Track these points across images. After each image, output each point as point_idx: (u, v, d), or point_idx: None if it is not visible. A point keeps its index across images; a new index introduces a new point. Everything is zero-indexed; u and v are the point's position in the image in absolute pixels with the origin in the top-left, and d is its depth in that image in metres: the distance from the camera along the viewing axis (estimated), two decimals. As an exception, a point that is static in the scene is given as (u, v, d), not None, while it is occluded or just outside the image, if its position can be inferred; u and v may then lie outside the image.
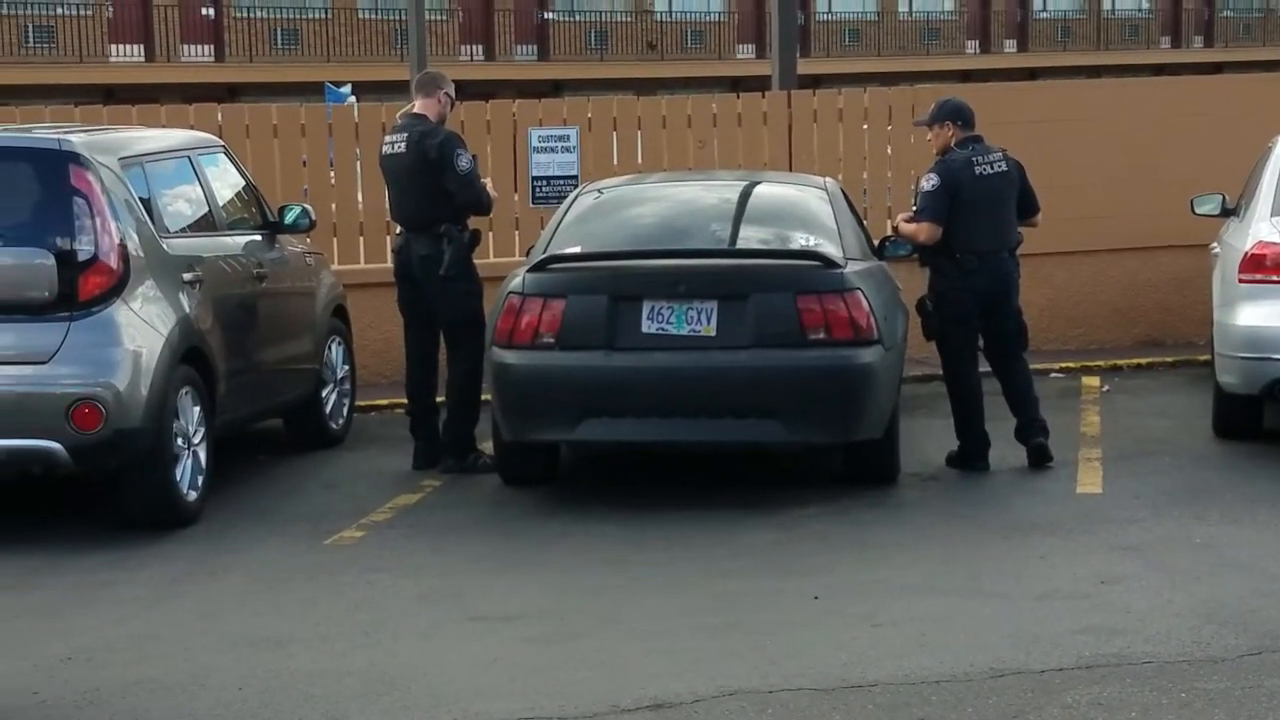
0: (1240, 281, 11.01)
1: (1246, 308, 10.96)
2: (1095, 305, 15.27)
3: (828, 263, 9.97)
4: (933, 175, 10.70)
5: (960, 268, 10.64)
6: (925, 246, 10.76)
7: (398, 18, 44.55)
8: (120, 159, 9.85)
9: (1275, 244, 10.90)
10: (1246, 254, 11.01)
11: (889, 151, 14.94)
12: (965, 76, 46.74)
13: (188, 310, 9.81)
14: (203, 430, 9.89)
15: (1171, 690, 6.66)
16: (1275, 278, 10.84)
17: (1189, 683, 6.74)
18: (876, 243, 11.22)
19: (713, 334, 9.82)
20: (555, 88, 44.93)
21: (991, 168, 10.72)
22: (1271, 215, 11.18)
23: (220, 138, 12.44)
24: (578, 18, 51.51)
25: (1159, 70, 47.92)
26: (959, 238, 10.62)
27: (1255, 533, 9.09)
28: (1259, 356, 10.84)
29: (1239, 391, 11.13)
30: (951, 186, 10.59)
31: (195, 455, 9.80)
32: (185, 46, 44.97)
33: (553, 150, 14.33)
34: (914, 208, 10.98)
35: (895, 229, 11.19)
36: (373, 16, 47.74)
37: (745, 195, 11.12)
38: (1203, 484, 10.27)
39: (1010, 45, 59.04)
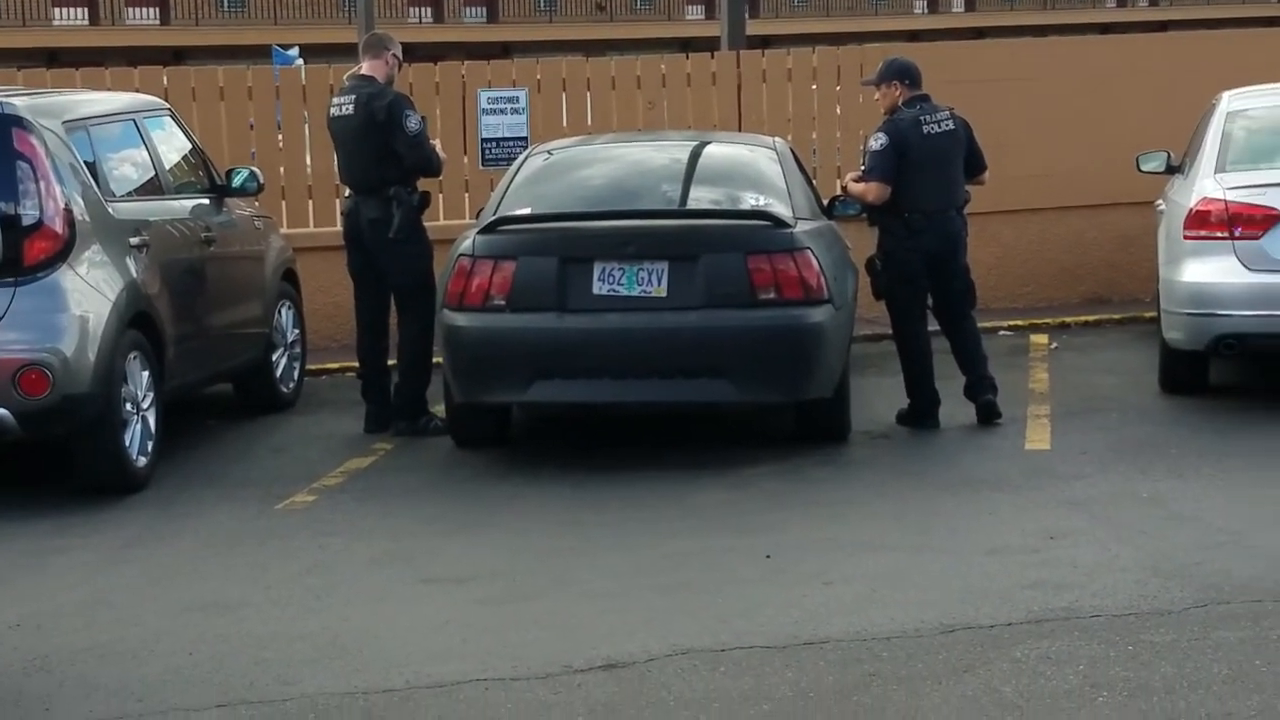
0: (1185, 238, 11.06)
1: (1191, 264, 11.02)
2: (1043, 263, 15.33)
3: (777, 222, 9.99)
4: (881, 135, 10.72)
5: (908, 226, 10.67)
6: (874, 206, 10.78)
7: (345, -20, 44.35)
8: (64, 122, 9.79)
9: (1219, 200, 10.95)
10: (1191, 210, 11.06)
11: (838, 111, 14.96)
12: (913, 36, 46.72)
13: (135, 275, 9.77)
14: (151, 395, 9.85)
15: (1119, 643, 6.71)
16: (1219, 234, 10.89)
17: (1136, 635, 6.79)
18: (826, 202, 11.24)
19: (663, 295, 9.83)
20: (504, 50, 44.81)
21: (939, 126, 10.74)
22: (1215, 172, 11.23)
23: (166, 101, 12.38)
24: (526, -21, 51.35)
25: (1105, 29, 48.10)
26: (907, 197, 10.64)
27: (1200, 487, 9.16)
28: (1204, 312, 10.90)
29: (1185, 347, 11.19)
30: (900, 145, 10.61)
31: (144, 420, 9.77)
32: (130, 10, 44.74)
33: (502, 112, 14.30)
34: (862, 167, 11.00)
35: (844, 188, 11.21)
36: (320, -21, 47.49)
37: (695, 156, 11.13)
38: (1149, 439, 10.34)
39: (958, 5, 59.17)
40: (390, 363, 11.30)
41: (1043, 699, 6.20)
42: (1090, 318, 14.72)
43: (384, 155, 10.86)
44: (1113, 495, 9.04)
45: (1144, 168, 12.72)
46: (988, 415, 10.80)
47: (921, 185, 10.65)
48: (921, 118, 10.72)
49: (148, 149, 10.80)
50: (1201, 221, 10.98)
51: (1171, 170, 12.45)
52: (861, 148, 12.74)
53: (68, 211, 9.36)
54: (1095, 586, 7.44)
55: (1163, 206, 12.26)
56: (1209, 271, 10.89)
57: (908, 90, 10.83)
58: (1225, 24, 45.75)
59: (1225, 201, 10.91)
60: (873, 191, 10.70)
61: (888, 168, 10.61)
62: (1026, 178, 14.71)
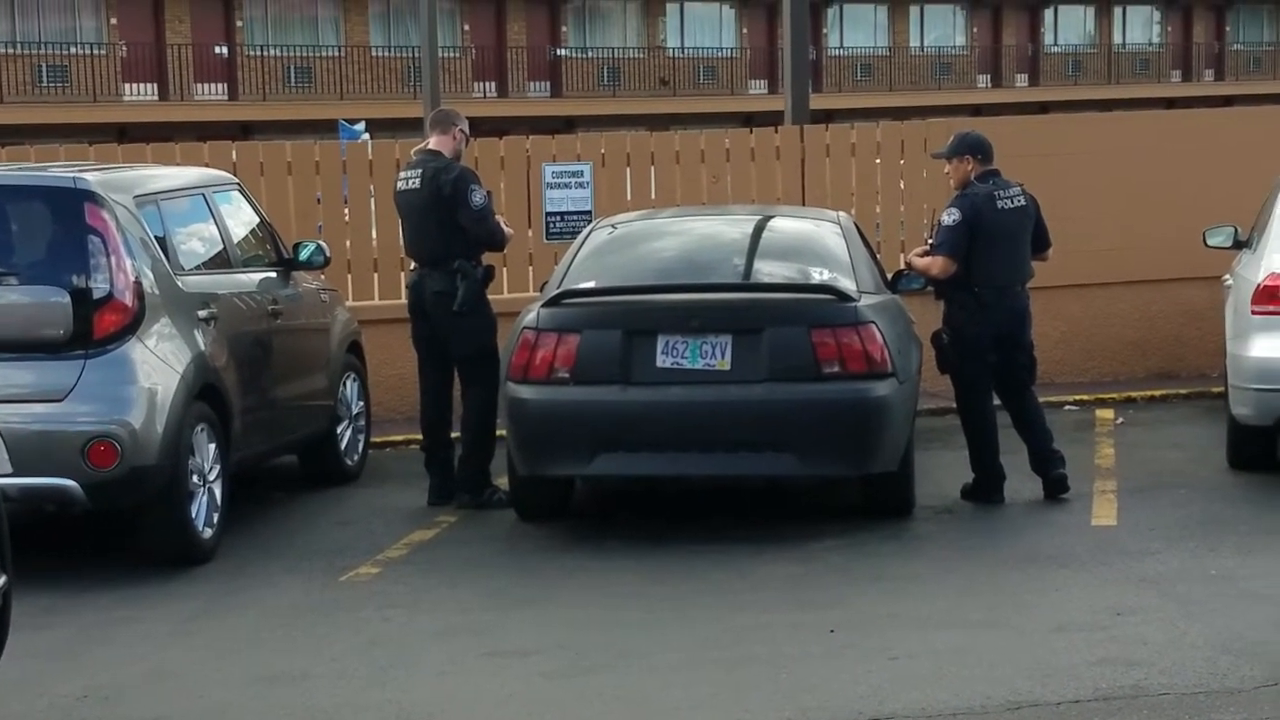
0: (1253, 313, 11.02)
1: (1260, 339, 10.97)
2: (1109, 337, 15.27)
3: (842, 296, 9.98)
4: (954, 210, 10.68)
5: (978, 301, 10.64)
6: (939, 280, 10.76)
7: (410, 55, 44.76)
8: (135, 197, 9.88)
9: (1288, 275, 10.90)
10: (1259, 286, 11.02)
11: (901, 185, 14.95)
12: (977, 110, 46.79)
13: (203, 347, 9.83)
14: (218, 467, 9.90)
15: (1189, 722, 6.65)
16: (1288, 309, 10.83)
17: (1205, 714, 6.73)
18: (890, 276, 11.23)
19: (727, 368, 9.83)
20: (568, 124, 45.06)
21: (1012, 202, 10.72)
22: (1284, 247, 11.18)
23: (235, 175, 12.49)
24: (590, 54, 51.72)
25: (1170, 103, 48.03)
26: (978, 272, 10.62)
27: (1270, 564, 9.08)
28: (1273, 388, 10.83)
29: (1253, 423, 11.12)
30: (972, 221, 10.58)
31: (210, 492, 9.81)
32: (199, 85, 45.21)
33: (567, 186, 14.36)
34: (928, 240, 10.98)
35: (908, 263, 11.19)
36: (386, 54, 47.96)
37: (759, 229, 11.14)
38: (1217, 515, 10.26)
39: (1022, 79, 59.21)
40: (454, 435, 11.32)
41: (1112, 778, 6.14)
42: (1157, 392, 14.63)
43: (449, 229, 10.92)
44: (1181, 572, 8.97)
45: (1210, 242, 12.68)
46: (1057, 488, 10.73)
47: (993, 260, 10.62)
48: (996, 193, 10.69)
49: (216, 223, 10.88)
50: (1270, 297, 10.93)
51: (1239, 245, 12.40)
52: (926, 221, 12.72)
53: (137, 285, 9.44)
54: (1164, 664, 7.37)
55: (1230, 281, 12.20)
56: (1277, 347, 10.83)
57: (979, 165, 10.80)
58: (1290, 98, 45.64)
59: (1293, 277, 10.85)
60: (938, 266, 10.68)
61: (957, 243, 10.59)
62: (1092, 252, 14.67)
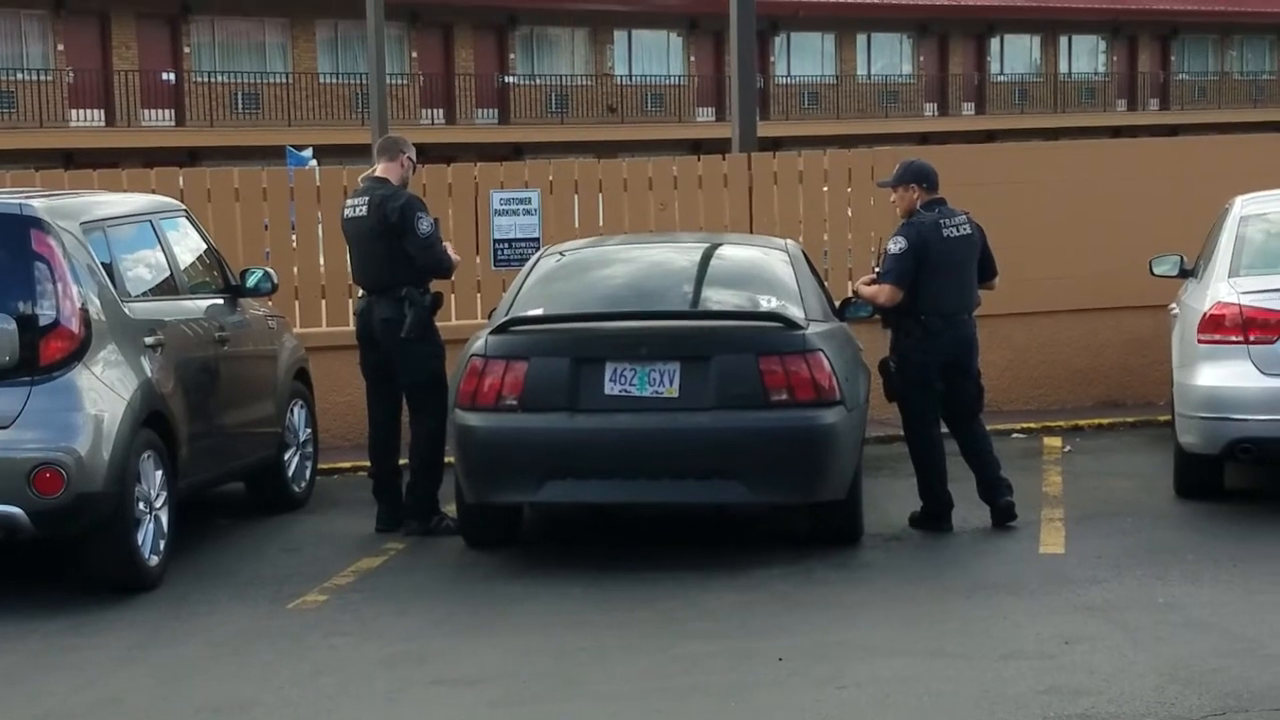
0: (1199, 342, 11.07)
1: (1206, 368, 11.02)
2: (1055, 366, 15.34)
3: (790, 324, 10.00)
4: (900, 238, 10.72)
5: (925, 329, 10.68)
6: (886, 308, 10.79)
7: (358, 82, 44.72)
8: (82, 223, 9.84)
9: (1233, 304, 10.96)
10: (1205, 314, 11.08)
11: (849, 213, 15.01)
12: (924, 139, 47.05)
13: (149, 374, 9.78)
14: (165, 494, 9.84)
15: (1136, 749, 6.67)
16: (1234, 338, 10.90)
17: (1153, 742, 6.75)
18: (838, 304, 11.26)
19: (675, 395, 9.84)
20: (516, 151, 45.09)
21: (957, 230, 10.77)
22: (1229, 276, 11.25)
23: (182, 201, 12.45)
24: (538, 81, 51.75)
25: (1116, 132, 48.34)
26: (925, 300, 10.65)
27: (1217, 592, 9.12)
28: (1219, 416, 10.89)
29: (1200, 451, 11.17)
30: (919, 250, 10.62)
31: (157, 519, 9.76)
32: (146, 111, 45.03)
33: (514, 213, 14.37)
34: (875, 269, 11.01)
35: (855, 291, 11.22)
36: (333, 81, 47.88)
37: (707, 257, 11.15)
38: (1165, 544, 10.30)
39: (968, 108, 59.50)
40: (402, 462, 11.29)
41: (1060, 806, 6.15)
42: (1104, 421, 14.70)
43: (397, 256, 10.90)
44: (1129, 600, 9.00)
45: (1157, 271, 12.75)
46: (1005, 516, 10.76)
47: (939, 289, 10.66)
48: (942, 221, 10.73)
49: (163, 249, 10.85)
50: (1216, 325, 10.99)
51: (1185, 274, 12.48)
52: (873, 249, 12.76)
53: (84, 311, 9.39)
54: (1112, 693, 7.39)
55: (1176, 310, 12.27)
56: (1223, 376, 10.89)
57: (925, 193, 10.85)
58: (1235, 128, 46.03)
59: (1240, 306, 10.92)
60: (884, 294, 10.71)
61: (903, 271, 10.62)
62: (1039, 280, 14.75)
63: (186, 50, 45.86)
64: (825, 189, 15.05)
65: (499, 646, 8.50)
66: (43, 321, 9.25)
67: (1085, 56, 62.55)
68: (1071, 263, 15.07)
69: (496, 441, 9.90)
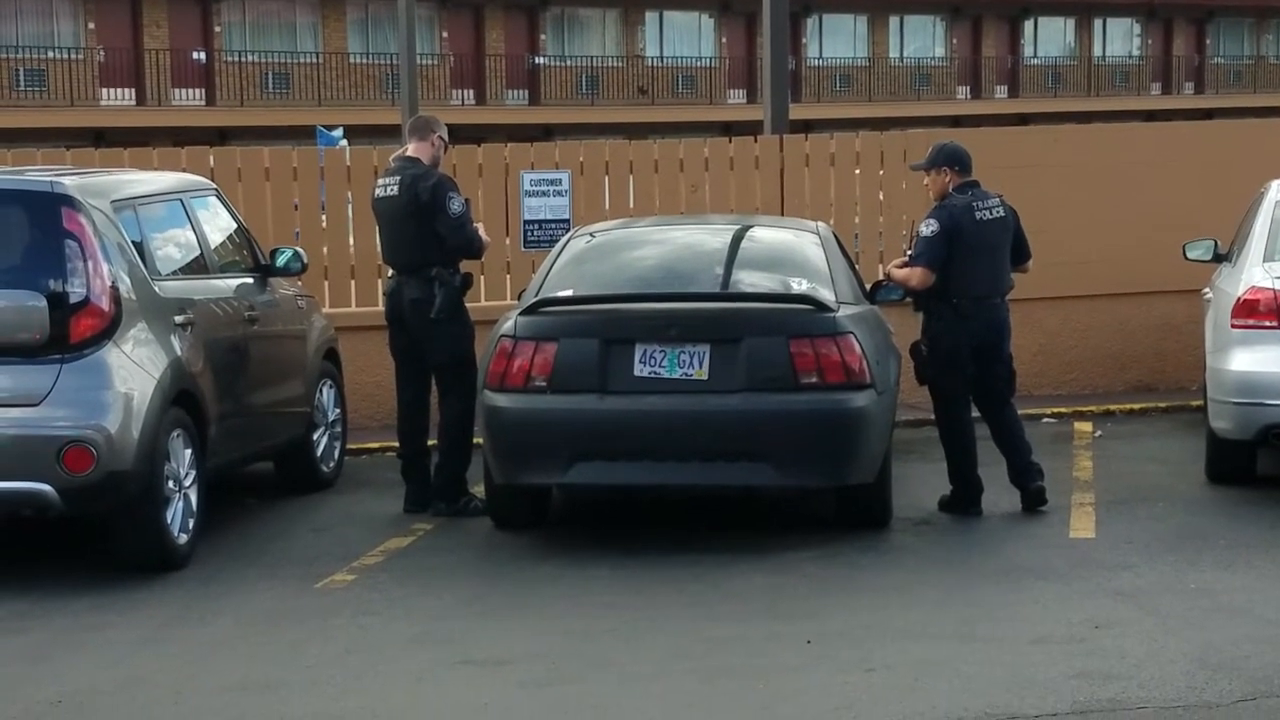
0: (1233, 327, 11.01)
1: (1239, 353, 10.96)
2: (1087, 350, 15.27)
3: (820, 306, 9.96)
4: (932, 221, 10.66)
5: (957, 312, 10.63)
6: (917, 291, 10.75)
7: (389, 62, 44.73)
8: (112, 202, 9.84)
9: (1268, 289, 10.91)
10: (1239, 299, 11.02)
11: (880, 196, 14.95)
12: (956, 122, 46.88)
13: (179, 353, 9.79)
14: (194, 473, 9.85)
15: (1166, 736, 6.64)
16: (1268, 323, 10.84)
17: (1184, 728, 6.72)
18: (869, 287, 11.21)
19: (705, 377, 9.81)
20: (546, 132, 45.08)
21: (990, 213, 10.71)
22: (1264, 260, 11.19)
23: (212, 180, 12.44)
24: (569, 62, 51.73)
25: (1150, 116, 48.09)
26: (957, 283, 10.60)
27: (1249, 578, 9.07)
28: (1252, 402, 10.83)
29: (1232, 437, 11.12)
30: (951, 232, 10.57)
31: (186, 498, 9.77)
32: (176, 90, 45.13)
33: (544, 194, 14.34)
34: (907, 251, 10.96)
35: (887, 274, 11.17)
36: (364, 61, 47.92)
37: (737, 239, 11.12)
38: (1196, 529, 10.26)
39: (1001, 91, 59.33)
40: (431, 443, 11.28)
41: (1089, 792, 6.12)
42: (1136, 406, 14.63)
43: (427, 236, 10.89)
44: (1160, 586, 8.96)
45: (1190, 255, 12.68)
46: (1036, 501, 10.72)
47: (972, 272, 10.61)
48: (974, 204, 10.68)
49: (193, 228, 10.84)
50: (1250, 310, 10.93)
51: (1218, 258, 12.41)
52: (905, 232, 12.71)
53: (114, 289, 9.39)
54: (1142, 677, 7.36)
55: (1210, 295, 12.21)
56: (1257, 360, 10.83)
57: (958, 176, 10.79)
58: (1271, 112, 45.76)
59: (1275, 290, 10.86)
60: (916, 277, 10.67)
61: (935, 255, 10.57)
62: (1072, 264, 14.69)
63: (217, 29, 45.93)
64: (857, 171, 14.99)
65: (527, 627, 8.49)
66: (73, 299, 9.26)
67: (1120, 39, 62.35)
68: (1104, 247, 15.00)
69: (525, 423, 9.89)
